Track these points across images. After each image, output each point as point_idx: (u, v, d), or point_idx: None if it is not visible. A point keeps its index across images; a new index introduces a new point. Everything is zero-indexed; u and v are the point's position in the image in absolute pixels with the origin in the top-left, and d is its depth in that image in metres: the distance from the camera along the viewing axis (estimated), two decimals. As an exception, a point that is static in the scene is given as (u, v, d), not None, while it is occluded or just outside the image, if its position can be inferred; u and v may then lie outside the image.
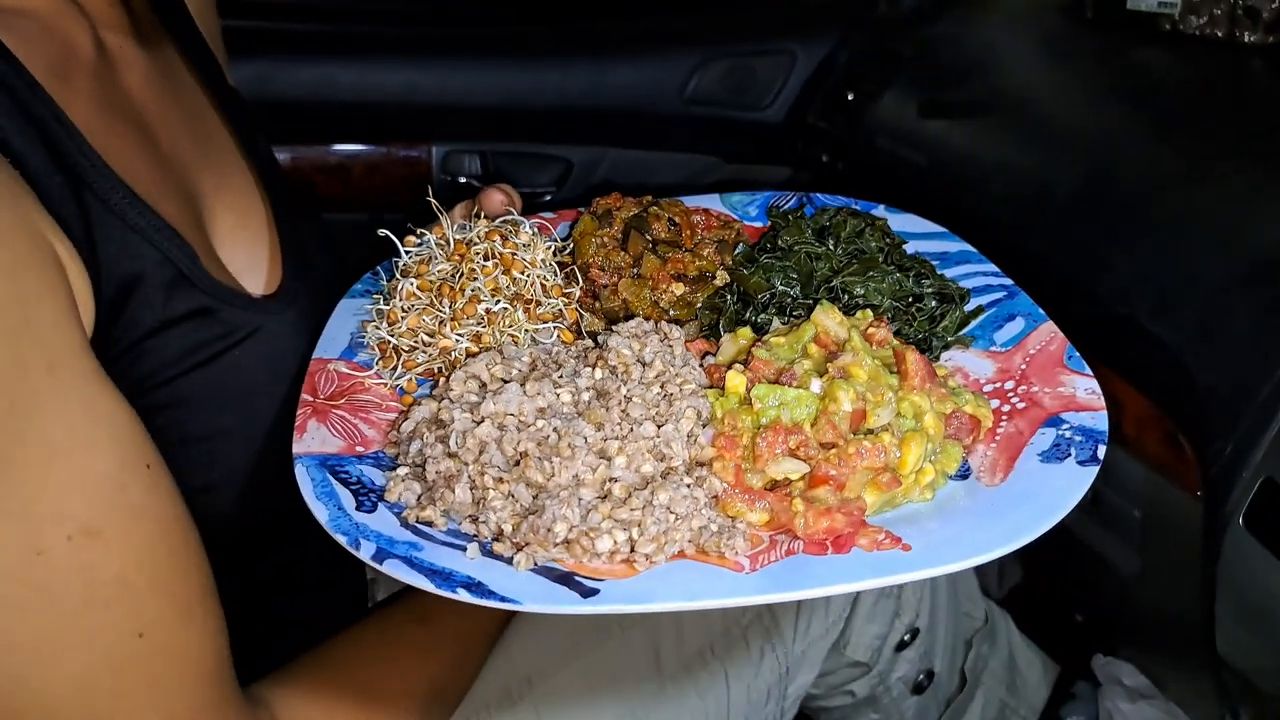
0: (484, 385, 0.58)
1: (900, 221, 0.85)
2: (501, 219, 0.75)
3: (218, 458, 0.64)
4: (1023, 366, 0.64)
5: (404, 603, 0.71)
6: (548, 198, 1.55)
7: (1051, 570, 1.05)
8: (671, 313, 0.70)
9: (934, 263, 0.76)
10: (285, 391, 0.68)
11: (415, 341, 0.66)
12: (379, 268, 0.80)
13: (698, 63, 1.53)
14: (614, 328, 0.61)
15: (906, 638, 0.90)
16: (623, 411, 0.52)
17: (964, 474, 0.55)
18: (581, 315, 0.70)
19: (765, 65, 1.55)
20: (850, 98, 1.44)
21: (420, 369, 0.65)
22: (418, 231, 0.77)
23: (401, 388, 0.66)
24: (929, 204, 1.24)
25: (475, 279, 0.67)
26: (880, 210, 0.87)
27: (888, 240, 0.76)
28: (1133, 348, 0.86)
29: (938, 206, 1.23)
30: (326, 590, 0.86)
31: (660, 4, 1.66)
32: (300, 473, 0.55)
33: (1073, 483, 0.51)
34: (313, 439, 0.58)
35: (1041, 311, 0.70)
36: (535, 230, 0.73)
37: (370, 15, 1.47)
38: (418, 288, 0.69)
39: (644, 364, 0.57)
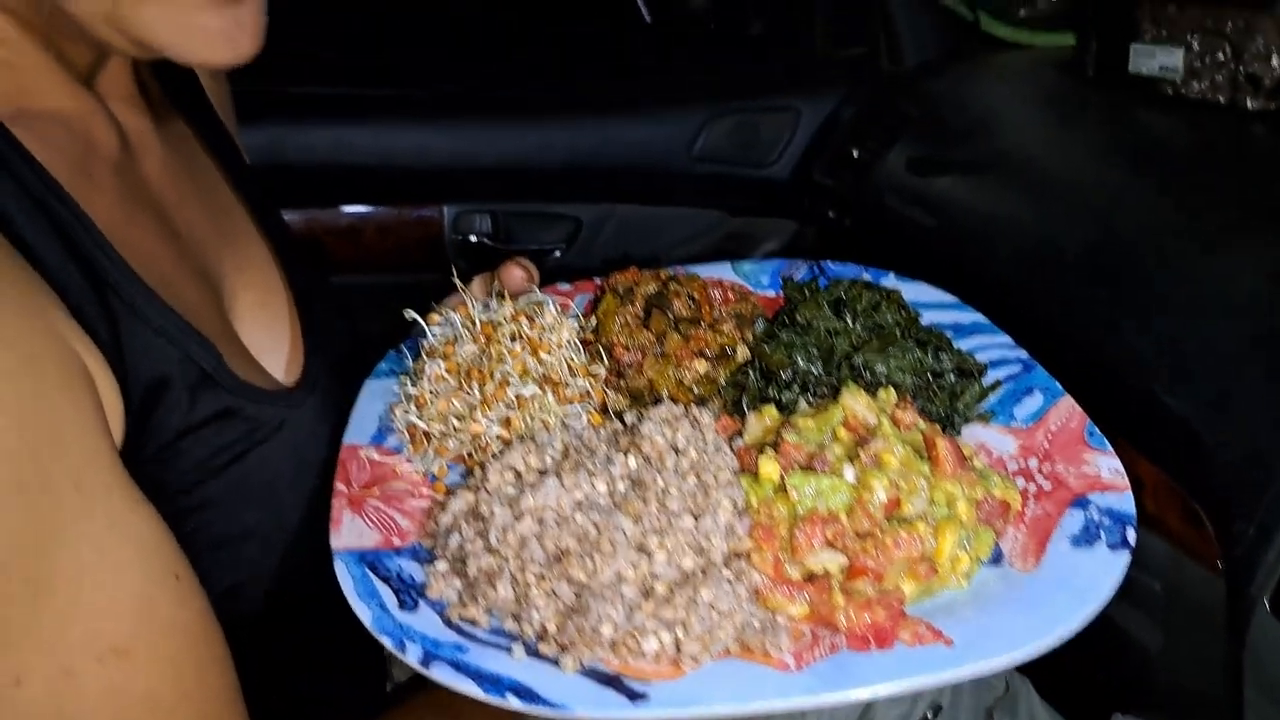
0: (519, 475, 0.58)
1: (912, 291, 0.86)
2: (525, 298, 0.76)
3: (244, 557, 0.64)
4: (1045, 444, 0.65)
5: (426, 692, 0.71)
6: (557, 254, 1.56)
7: (1073, 639, 1.04)
8: (696, 390, 0.71)
9: (948, 333, 0.78)
10: (312, 481, 0.68)
11: (446, 426, 0.66)
12: (403, 346, 0.81)
13: (704, 120, 1.55)
14: (645, 413, 0.62)
15: (929, 714, 0.90)
16: (660, 504, 0.53)
17: (996, 558, 0.56)
18: (607, 394, 0.71)
19: (770, 122, 1.58)
20: (856, 155, 1.47)
21: (451, 455, 0.66)
22: (442, 311, 0.78)
23: (433, 473, 0.67)
24: (937, 263, 1.27)
25: (504, 362, 0.68)
26: (891, 280, 0.88)
27: (904, 314, 0.77)
28: (1147, 418, 0.87)
29: (946, 266, 1.25)
30: (345, 669, 0.86)
31: (666, 63, 1.69)
32: (340, 570, 0.55)
33: (1106, 569, 0.52)
34: (349, 532, 0.59)
35: (1059, 386, 0.71)
36: (559, 310, 0.75)
37: (381, 79, 1.49)
38: (445, 370, 0.70)
39: (677, 451, 0.58)
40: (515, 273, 0.83)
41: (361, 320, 1.00)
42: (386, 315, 1.40)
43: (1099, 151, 1.18)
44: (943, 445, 0.56)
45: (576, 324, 0.75)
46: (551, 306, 0.75)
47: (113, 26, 0.55)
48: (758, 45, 1.74)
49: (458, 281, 0.82)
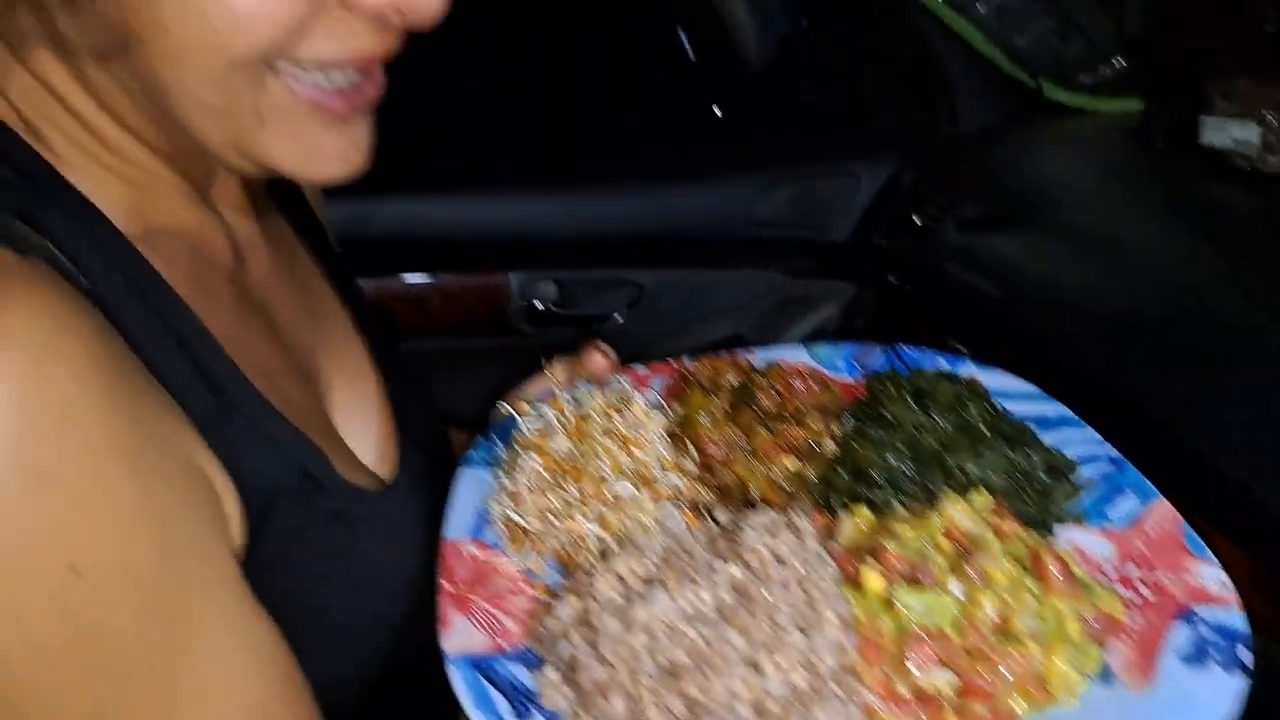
0: (624, 581, 0.59)
1: (992, 380, 0.86)
2: (613, 390, 0.78)
3: (345, 653, 0.65)
4: (1143, 550, 0.65)
5: None
6: (618, 319, 1.59)
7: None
8: (786, 487, 0.72)
9: (1034, 428, 0.77)
10: (413, 575, 0.70)
11: (544, 524, 0.68)
12: (493, 434, 0.82)
13: (763, 187, 1.58)
14: (740, 515, 0.63)
15: None
16: (768, 618, 0.54)
17: (1105, 674, 0.56)
18: (698, 490, 0.72)
19: (829, 187, 1.60)
20: (916, 221, 1.48)
21: (549, 552, 0.68)
22: (532, 401, 0.79)
23: (530, 570, 0.68)
24: (1002, 333, 1.27)
25: (598, 458, 0.70)
26: (970, 368, 0.88)
27: (989, 408, 0.77)
28: (1230, 499, 0.86)
29: (1011, 337, 1.25)
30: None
31: (726, 131, 1.72)
32: (455, 677, 0.56)
33: (1222, 693, 0.52)
34: (459, 634, 0.60)
35: (1151, 486, 0.71)
36: (648, 404, 0.76)
37: (450, 153, 1.53)
38: (541, 465, 0.71)
39: (780, 561, 0.58)
40: (599, 360, 0.84)
41: (434, 385, 1.02)
42: (457, 381, 1.43)
43: (1172, 224, 1.18)
44: (1050, 561, 0.56)
45: (663, 416, 0.76)
46: (640, 399, 0.76)
47: (233, 149, 0.58)
48: (815, 110, 1.77)
49: (550, 374, 0.84)
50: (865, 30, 1.73)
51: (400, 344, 1.10)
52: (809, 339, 1.65)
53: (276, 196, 0.81)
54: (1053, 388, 0.87)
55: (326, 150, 0.59)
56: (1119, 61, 1.39)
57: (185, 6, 0.51)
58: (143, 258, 0.58)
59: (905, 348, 0.93)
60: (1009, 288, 1.31)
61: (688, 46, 1.92)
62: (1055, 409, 0.82)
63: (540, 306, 1.53)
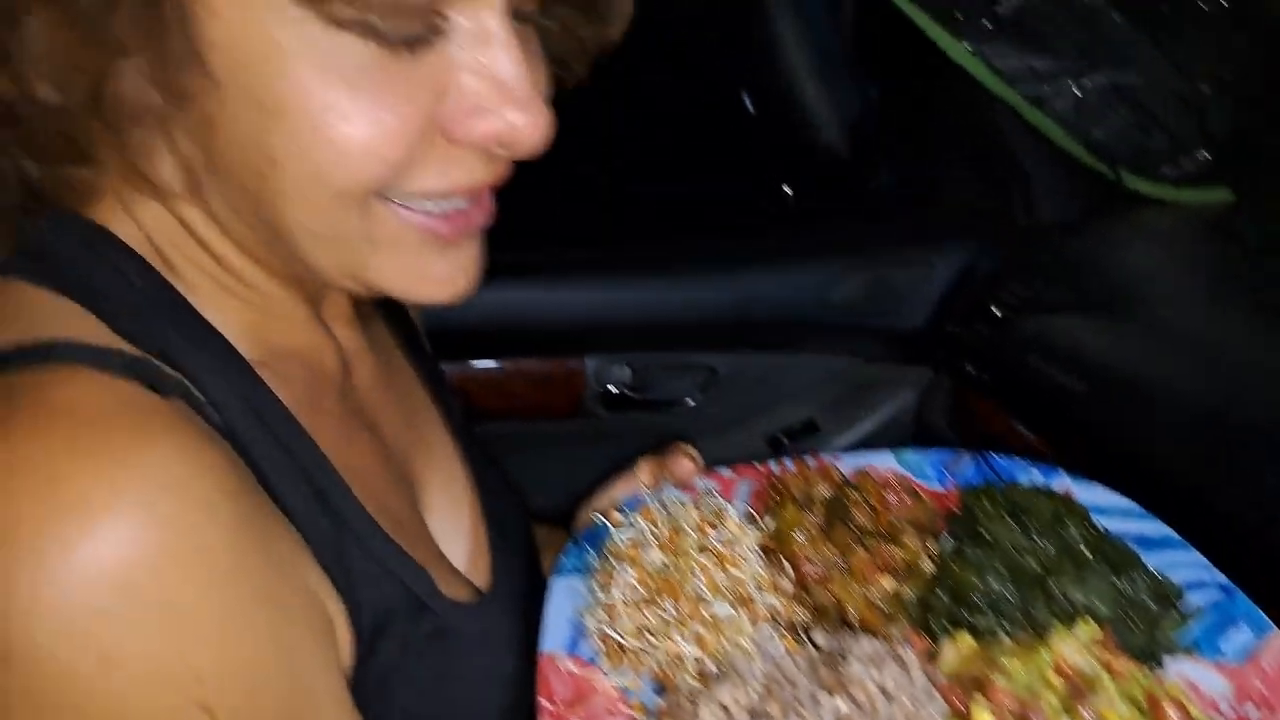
0: (727, 710, 0.59)
1: (1089, 494, 0.84)
2: (706, 502, 0.78)
3: None
4: (1262, 689, 0.63)
5: None
6: (691, 402, 1.59)
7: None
8: (884, 609, 0.71)
9: (1137, 550, 0.76)
10: (508, 690, 0.70)
11: (641, 642, 0.68)
12: (584, 541, 0.83)
13: (837, 272, 1.58)
14: (847, 651, 0.62)
15: None
16: (879, 759, 0.53)
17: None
18: (795, 610, 0.72)
19: (904, 275, 1.60)
20: (995, 311, 1.47)
21: (646, 670, 0.68)
22: (623, 510, 0.80)
23: (628, 688, 0.68)
24: (1086, 430, 1.24)
25: (694, 575, 0.70)
26: (1065, 481, 0.86)
27: (1090, 529, 0.76)
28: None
29: (1096, 435, 1.23)
30: None
31: (801, 218, 1.74)
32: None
33: None
34: (560, 758, 0.60)
35: (1265, 617, 0.68)
36: (741, 518, 0.76)
37: (531, 243, 1.56)
38: (635, 579, 0.71)
39: (887, 695, 0.58)
40: (686, 466, 0.84)
41: (510, 467, 1.03)
42: (533, 463, 1.44)
43: (1268, 322, 1.16)
44: (1169, 705, 0.55)
45: (757, 530, 0.76)
46: (733, 513, 0.76)
47: (345, 275, 0.60)
48: (887, 194, 1.77)
49: (641, 476, 0.84)
50: (936, 115, 1.74)
51: (478, 428, 1.11)
52: (884, 428, 1.64)
53: (377, 305, 0.83)
54: (1140, 492, 0.85)
55: (435, 275, 0.60)
56: (1203, 154, 1.38)
57: (296, 144, 0.52)
58: (265, 386, 0.60)
59: (995, 456, 0.92)
60: (1092, 383, 1.29)
61: (749, 104, 1.95)
62: (1157, 528, 0.80)
63: (614, 390, 1.55)
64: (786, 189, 1.95)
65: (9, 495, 0.45)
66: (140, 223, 0.59)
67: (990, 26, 1.24)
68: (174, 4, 0.48)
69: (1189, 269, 1.37)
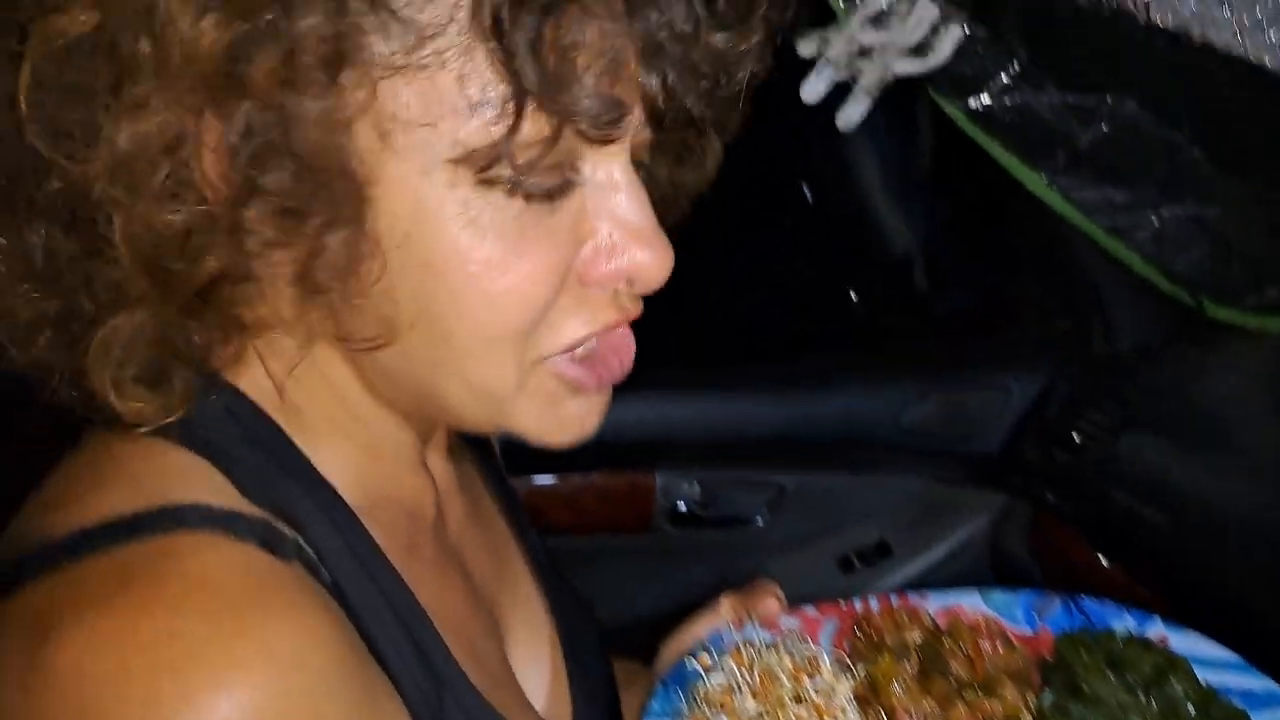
0: None
1: (1185, 642, 0.81)
2: (798, 648, 0.76)
3: None
4: None
5: None
6: (760, 521, 1.58)
7: None
8: (980, 764, 0.69)
9: (1241, 706, 0.72)
10: None
11: (734, 794, 0.66)
12: (672, 684, 0.81)
13: (912, 394, 1.58)
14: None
15: None
16: None
17: None
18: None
19: (979, 398, 1.59)
20: (1076, 439, 1.44)
21: (740, 825, 0.66)
22: (710, 651, 0.78)
23: (720, 842, 0.66)
24: (1173, 569, 1.21)
25: (788, 726, 0.68)
26: (1159, 626, 0.83)
27: (1195, 685, 0.73)
28: None
29: (1183, 573, 1.19)
30: None
31: (876, 339, 1.74)
32: None
33: None
34: None
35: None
36: (835, 664, 0.74)
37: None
38: (727, 727, 0.70)
39: None
40: (771, 605, 0.82)
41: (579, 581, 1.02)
42: (603, 578, 1.42)
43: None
44: None
45: (851, 678, 0.74)
46: (826, 659, 0.74)
47: (485, 420, 0.61)
48: (964, 315, 1.78)
49: (726, 611, 0.83)
50: (1011, 235, 1.75)
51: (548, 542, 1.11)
52: (957, 551, 1.61)
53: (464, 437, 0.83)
54: (1229, 635, 0.81)
55: (570, 419, 0.62)
56: (1287, 284, 1.36)
57: (454, 298, 0.54)
58: (371, 538, 0.61)
59: (1087, 599, 0.89)
60: (1174, 516, 1.26)
61: (807, 194, 1.97)
62: (1262, 684, 0.76)
63: (683, 508, 1.54)
64: (852, 294, 1.96)
65: (149, 658, 0.47)
66: (271, 369, 0.61)
67: (1068, 159, 1.25)
68: (344, 176, 0.51)
69: (1273, 399, 1.34)
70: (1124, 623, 0.82)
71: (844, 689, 0.70)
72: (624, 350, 0.63)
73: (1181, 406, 1.38)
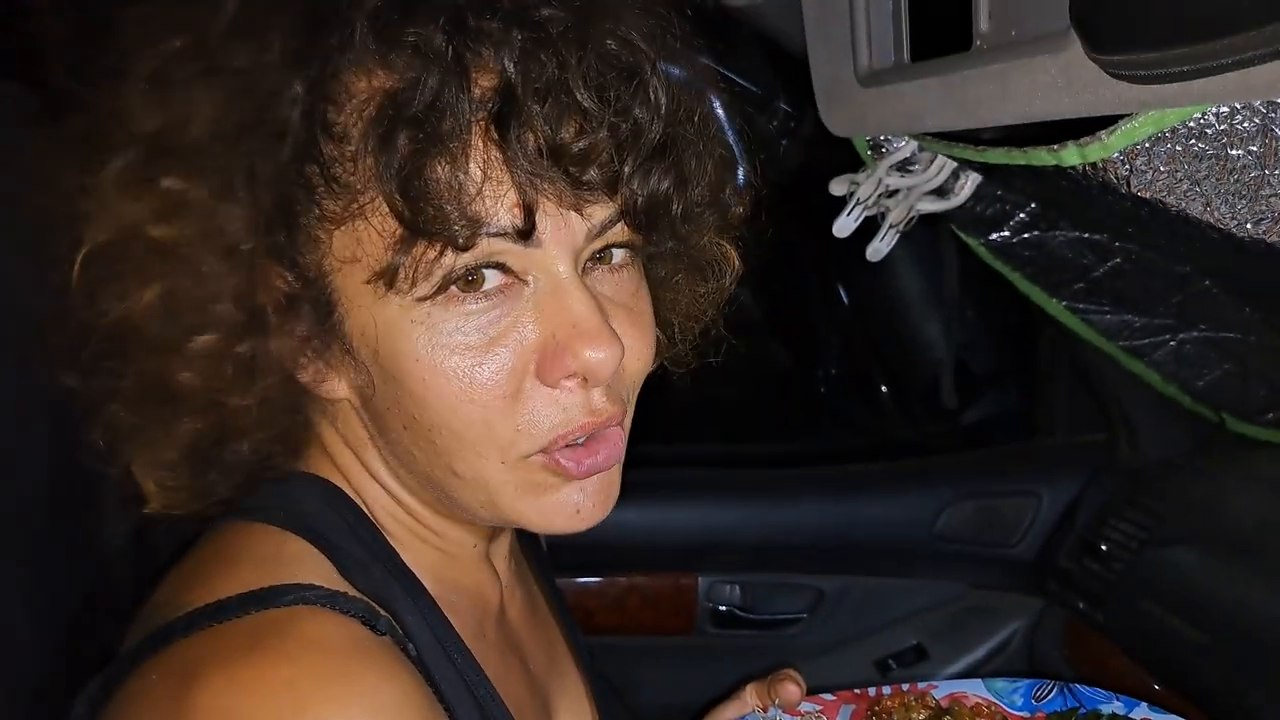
0: None
1: None
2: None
3: None
4: None
5: None
6: (800, 624, 1.64)
7: None
8: None
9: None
10: None
11: None
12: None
13: (945, 501, 1.63)
14: None
15: None
16: None
17: None
18: None
19: (1011, 505, 1.64)
20: (1105, 549, 1.49)
21: None
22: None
23: None
24: (1201, 681, 1.23)
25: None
26: (1144, 710, 0.89)
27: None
28: None
29: (1217, 689, 1.21)
30: None
31: (911, 447, 1.81)
32: None
33: None
34: None
35: None
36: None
37: (646, 463, 1.69)
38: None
39: None
40: (792, 690, 0.90)
41: (622, 682, 1.09)
42: (646, 678, 1.48)
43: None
44: None
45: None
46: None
47: (489, 514, 0.70)
48: (996, 427, 1.84)
49: (749, 696, 0.91)
50: (1039, 348, 1.82)
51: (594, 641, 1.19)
52: (993, 656, 1.65)
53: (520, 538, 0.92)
54: None
55: (566, 508, 0.68)
56: (1305, 403, 1.41)
57: (418, 403, 0.65)
58: (448, 621, 0.71)
59: (1081, 687, 0.95)
60: (1208, 631, 1.29)
61: (843, 296, 2.05)
62: None
63: (724, 609, 1.61)
64: (883, 388, 2.03)
65: (271, 703, 0.57)
66: (355, 487, 0.73)
67: (1086, 288, 1.33)
68: (329, 313, 0.64)
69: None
70: (1111, 706, 0.89)
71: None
72: (612, 444, 0.69)
73: (1207, 518, 1.42)
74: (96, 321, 0.63)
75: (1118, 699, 0.92)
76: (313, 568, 0.66)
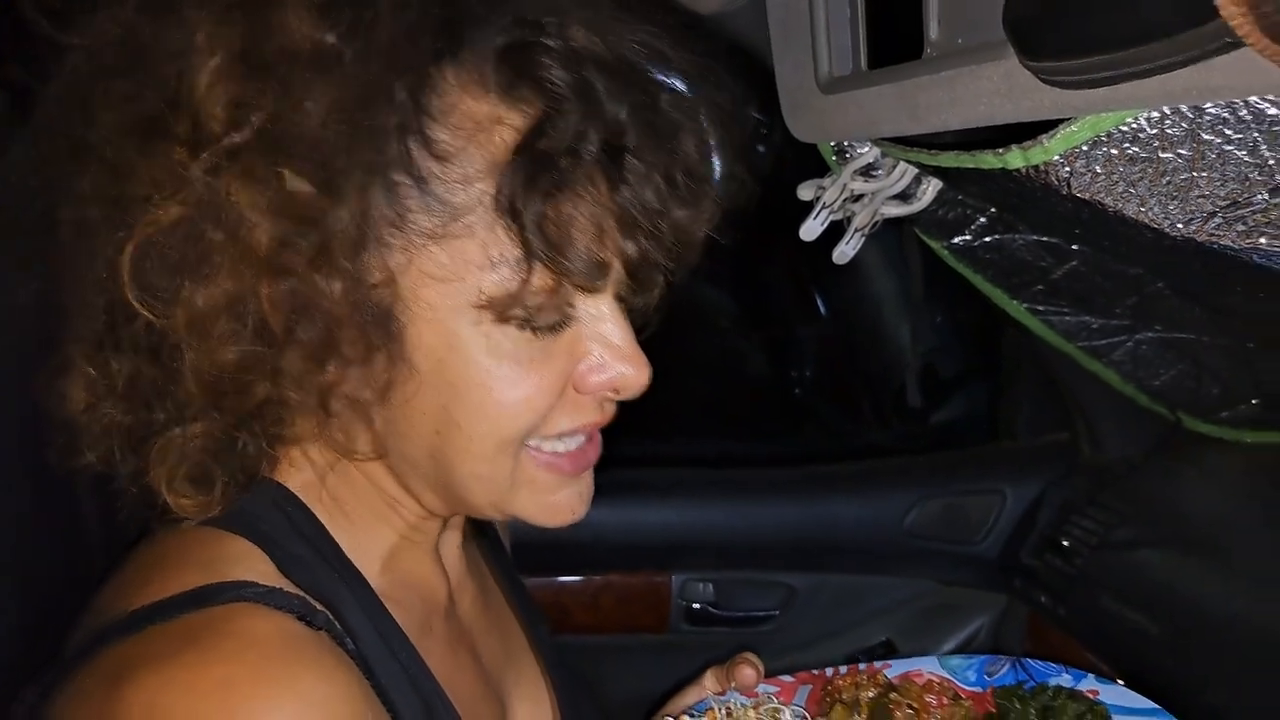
0: None
1: (1113, 695, 0.91)
2: (765, 705, 0.88)
3: None
4: None
5: None
6: (772, 621, 1.67)
7: None
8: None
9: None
10: None
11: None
12: (660, 747, 0.92)
13: (914, 500, 1.67)
14: None
15: None
16: None
17: None
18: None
19: (977, 503, 1.68)
20: (1065, 544, 1.53)
21: None
22: (690, 713, 0.89)
23: None
24: (1161, 673, 1.27)
25: (757, 779, 0.79)
26: (1091, 681, 0.93)
27: (1108, 728, 0.83)
28: None
29: (1170, 677, 1.25)
30: None
31: (880, 449, 1.85)
32: None
33: None
34: None
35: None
36: (794, 716, 0.85)
37: (630, 464, 1.72)
38: (705, 785, 0.81)
39: None
40: (749, 674, 0.94)
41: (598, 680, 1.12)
42: (620, 674, 1.51)
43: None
44: None
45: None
46: (787, 713, 0.86)
47: (492, 508, 0.74)
48: (963, 428, 1.88)
49: (708, 680, 0.94)
50: (1003, 350, 1.86)
51: (570, 640, 1.21)
52: (959, 651, 1.69)
53: (473, 521, 0.93)
54: None
55: (560, 504, 0.76)
56: (1254, 402, 1.46)
57: (476, 410, 0.69)
58: (391, 616, 0.73)
59: (1032, 661, 0.99)
60: (1164, 624, 1.33)
61: (820, 305, 2.09)
62: None
63: (697, 607, 1.64)
64: (856, 390, 2.07)
65: (203, 701, 0.59)
66: (319, 472, 0.75)
67: (1046, 290, 1.37)
68: (384, 318, 0.65)
69: (1254, 512, 1.42)
70: (1061, 679, 0.93)
71: (802, 736, 0.81)
72: (598, 444, 0.77)
73: (1165, 515, 1.46)
74: (141, 314, 0.63)
75: (1066, 672, 0.96)
76: (250, 565, 0.68)
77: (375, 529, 0.77)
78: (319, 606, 0.68)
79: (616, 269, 0.70)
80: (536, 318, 0.68)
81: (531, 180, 0.63)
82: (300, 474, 0.75)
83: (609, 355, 0.72)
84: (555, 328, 0.70)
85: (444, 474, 0.72)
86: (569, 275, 0.66)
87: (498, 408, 0.69)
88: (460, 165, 0.63)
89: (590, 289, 0.69)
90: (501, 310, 0.66)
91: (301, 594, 0.68)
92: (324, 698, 0.61)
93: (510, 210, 0.64)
